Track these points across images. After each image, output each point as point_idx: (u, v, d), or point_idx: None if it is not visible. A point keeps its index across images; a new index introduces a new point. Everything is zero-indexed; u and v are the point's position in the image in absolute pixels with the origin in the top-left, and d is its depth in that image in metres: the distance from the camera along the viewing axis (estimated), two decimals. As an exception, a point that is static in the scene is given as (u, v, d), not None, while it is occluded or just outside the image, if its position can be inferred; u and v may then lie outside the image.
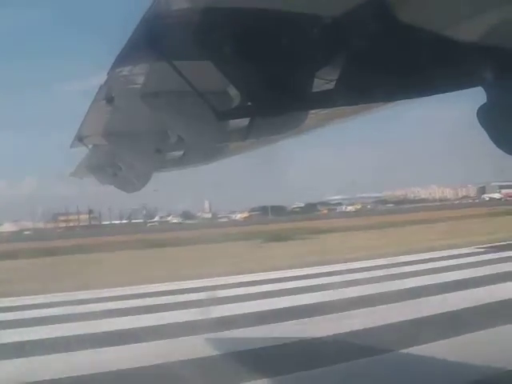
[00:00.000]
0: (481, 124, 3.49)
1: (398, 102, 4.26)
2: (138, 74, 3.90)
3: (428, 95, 3.77)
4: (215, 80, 3.78)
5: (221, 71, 3.68)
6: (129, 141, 5.31)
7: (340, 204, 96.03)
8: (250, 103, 3.95)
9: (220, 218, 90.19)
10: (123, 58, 3.54)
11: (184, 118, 4.38)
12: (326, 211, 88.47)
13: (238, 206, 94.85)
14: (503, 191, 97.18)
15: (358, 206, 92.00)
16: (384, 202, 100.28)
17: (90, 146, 5.89)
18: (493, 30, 3.03)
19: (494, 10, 2.90)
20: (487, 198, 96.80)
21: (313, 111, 4.47)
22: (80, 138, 5.49)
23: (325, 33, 3.27)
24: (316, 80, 3.74)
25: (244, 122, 4.26)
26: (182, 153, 5.81)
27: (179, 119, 4.45)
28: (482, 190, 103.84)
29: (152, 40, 3.29)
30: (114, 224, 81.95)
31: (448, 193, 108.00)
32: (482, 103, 3.51)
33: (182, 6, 3.09)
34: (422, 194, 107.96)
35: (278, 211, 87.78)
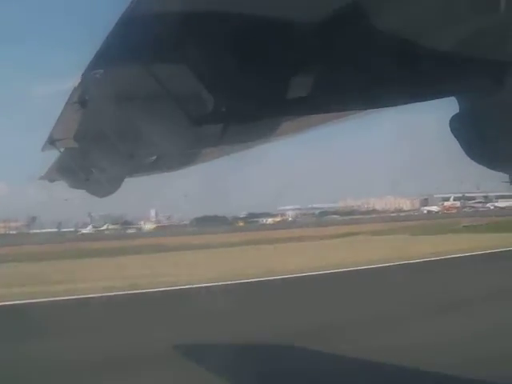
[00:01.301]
0: (453, 134, 3.53)
1: (371, 110, 4.29)
2: (113, 76, 3.86)
3: (401, 104, 3.81)
4: (190, 84, 3.77)
5: (196, 76, 3.67)
6: (101, 145, 5.26)
7: (266, 215, 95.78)
8: (224, 109, 3.95)
9: (158, 227, 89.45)
10: (98, 61, 3.51)
11: (158, 122, 4.36)
12: (242, 224, 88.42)
13: (187, 215, 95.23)
14: (446, 203, 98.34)
15: (277, 219, 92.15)
16: (330, 213, 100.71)
17: (62, 149, 5.82)
18: (466, 41, 3.07)
19: (467, 20, 2.94)
20: (425, 211, 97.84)
21: (287, 118, 4.48)
22: (52, 141, 5.43)
23: (302, 39, 3.29)
24: (291, 87, 3.75)
25: (218, 127, 4.26)
26: (154, 158, 5.79)
27: (153, 124, 4.42)
28: (425, 202, 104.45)
29: (127, 43, 3.28)
30: (40, 233, 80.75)
31: (404, 204, 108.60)
32: (455, 113, 3.56)
33: (158, 10, 3.08)
34: (377, 204, 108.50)
35: (214, 221, 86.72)
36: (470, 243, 32.40)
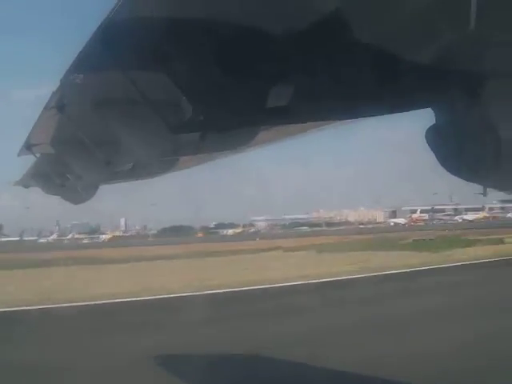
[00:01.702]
0: (429, 145, 3.57)
1: (348, 121, 4.34)
2: (92, 82, 3.86)
3: (378, 115, 3.85)
4: (169, 92, 3.79)
5: (175, 83, 3.69)
6: (78, 151, 5.23)
7: (234, 226, 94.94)
8: (202, 117, 3.97)
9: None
10: (77, 66, 3.52)
11: (136, 129, 4.36)
12: (201, 234, 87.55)
13: (158, 225, 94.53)
14: (414, 216, 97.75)
15: (238, 230, 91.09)
16: (300, 224, 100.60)
17: (38, 155, 5.79)
18: (443, 54, 3.13)
19: (444, 34, 3.00)
20: (392, 224, 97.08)
21: (265, 128, 4.50)
22: (28, 146, 5.39)
23: (281, 50, 3.33)
24: (269, 96, 3.79)
25: (196, 136, 4.27)
26: (131, 165, 5.77)
27: (131, 130, 4.42)
28: (393, 215, 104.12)
29: (107, 49, 3.28)
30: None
31: (377, 215, 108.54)
32: (431, 125, 3.60)
33: (139, 17, 3.10)
34: (351, 216, 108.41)
35: (179, 231, 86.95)
36: (386, 261, 30.46)
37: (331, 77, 3.54)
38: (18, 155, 5.65)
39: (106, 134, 4.68)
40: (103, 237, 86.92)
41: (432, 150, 3.55)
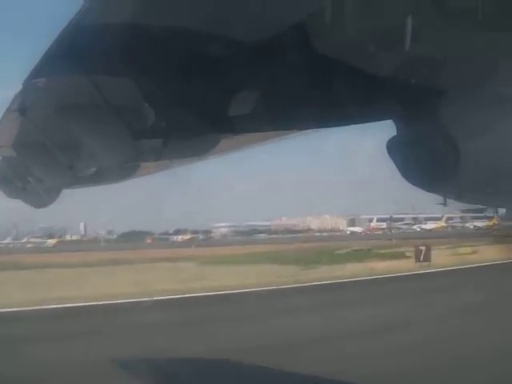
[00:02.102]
0: (390, 156, 3.63)
1: (312, 130, 4.39)
2: (55, 86, 3.85)
3: (341, 125, 3.91)
4: (132, 98, 3.80)
5: (138, 90, 3.71)
6: (40, 154, 5.20)
7: (180, 233, 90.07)
8: (165, 123, 3.99)
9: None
10: (40, 70, 3.50)
11: (98, 134, 4.35)
12: (149, 240, 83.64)
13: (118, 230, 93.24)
14: (372, 224, 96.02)
15: (187, 237, 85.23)
16: (259, 231, 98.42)
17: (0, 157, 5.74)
18: (404, 66, 3.20)
19: (405, 46, 3.07)
20: (348, 232, 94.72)
21: (227, 135, 4.54)
22: None
23: (243, 58, 3.36)
24: (232, 104, 3.82)
25: (159, 141, 4.29)
26: (94, 170, 5.75)
27: (93, 135, 4.41)
28: (352, 223, 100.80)
29: (70, 54, 3.28)
30: None
31: (340, 223, 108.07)
32: (392, 136, 3.67)
33: (103, 21, 3.11)
34: (314, 223, 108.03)
35: (131, 237, 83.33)
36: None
37: (294, 86, 3.59)
38: None
39: (68, 138, 4.66)
40: (49, 241, 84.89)
41: (393, 160, 3.62)
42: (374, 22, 3.04)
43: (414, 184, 3.61)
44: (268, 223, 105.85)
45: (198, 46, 3.29)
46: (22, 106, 4.17)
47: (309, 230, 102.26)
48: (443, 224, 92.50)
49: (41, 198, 6.76)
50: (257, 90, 3.81)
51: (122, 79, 3.66)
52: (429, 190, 3.69)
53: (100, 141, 4.44)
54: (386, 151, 3.61)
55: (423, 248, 32.54)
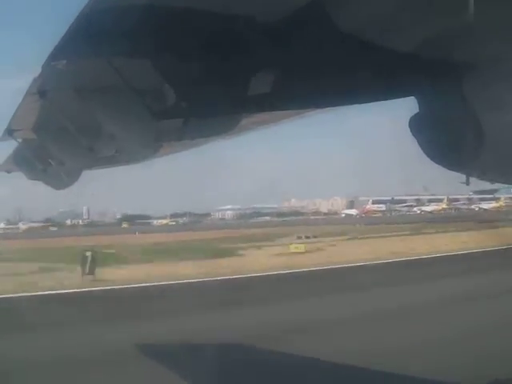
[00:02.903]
0: (412, 133, 3.59)
1: (332, 108, 4.35)
2: (74, 68, 3.84)
3: (361, 103, 3.87)
4: (152, 79, 3.78)
5: (158, 70, 3.69)
6: (61, 136, 5.22)
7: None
8: (185, 104, 3.97)
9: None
10: (59, 52, 3.49)
11: (118, 115, 4.35)
12: (125, 225, 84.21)
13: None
14: (367, 207, 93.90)
15: (165, 221, 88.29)
16: (262, 214, 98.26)
17: (20, 140, 5.76)
18: (426, 42, 3.15)
19: (427, 22, 3.01)
20: (343, 215, 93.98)
21: (247, 114, 4.52)
22: (10, 131, 5.36)
23: (263, 36, 3.33)
24: (252, 83, 3.79)
25: (179, 122, 4.27)
26: (113, 151, 5.75)
27: (113, 116, 4.41)
28: (351, 205, 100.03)
29: (89, 35, 3.27)
30: None
31: (338, 205, 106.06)
32: (414, 113, 3.62)
33: (119, 3, 3.09)
34: (323, 205, 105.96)
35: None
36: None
37: (317, 65, 3.55)
38: (0, 140, 5.62)
39: (88, 120, 4.67)
40: (22, 227, 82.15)
41: (415, 138, 3.58)
42: None
43: (437, 162, 3.57)
44: (276, 206, 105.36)
45: (217, 26, 3.26)
46: (42, 89, 4.17)
47: (318, 212, 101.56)
48: (444, 206, 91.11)
49: (61, 179, 6.80)
50: (276, 68, 3.77)
51: (142, 60, 3.64)
52: (451, 169, 3.66)
53: (120, 122, 4.45)
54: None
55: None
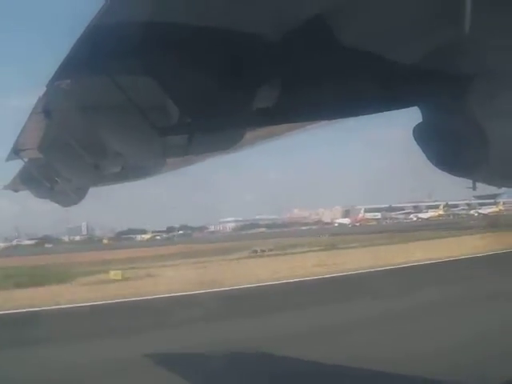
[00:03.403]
0: (417, 142, 3.60)
1: (336, 120, 4.36)
2: (78, 87, 3.86)
3: (365, 114, 3.88)
4: (156, 95, 3.79)
5: (161, 87, 3.70)
6: (66, 155, 5.24)
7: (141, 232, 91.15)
8: (189, 120, 3.98)
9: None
10: (63, 71, 3.50)
11: (123, 132, 4.37)
12: (106, 241, 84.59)
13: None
14: (359, 215, 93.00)
15: (147, 236, 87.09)
16: (259, 225, 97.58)
17: (27, 159, 5.79)
18: (429, 52, 3.16)
19: (430, 33, 3.02)
20: (336, 224, 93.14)
21: (250, 129, 4.52)
22: (16, 151, 5.39)
23: (267, 50, 3.34)
24: (257, 97, 3.80)
25: (184, 138, 4.28)
26: (120, 168, 5.77)
27: (118, 134, 4.43)
28: (347, 214, 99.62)
29: (93, 54, 3.28)
30: None
31: (334, 215, 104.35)
32: (418, 122, 3.63)
33: (124, 21, 3.10)
34: (326, 215, 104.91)
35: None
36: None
37: (320, 78, 3.56)
38: (6, 160, 5.64)
39: (93, 138, 4.69)
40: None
41: (420, 146, 3.59)
42: (397, 9, 2.99)
43: (443, 169, 3.58)
44: (276, 216, 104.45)
45: (221, 41, 3.27)
46: (47, 108, 4.20)
47: (316, 222, 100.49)
48: (440, 212, 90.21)
49: (68, 197, 6.82)
50: (279, 82, 3.78)
51: (145, 78, 3.66)
52: (458, 175, 3.66)
53: (124, 139, 4.46)
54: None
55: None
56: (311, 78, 3.59)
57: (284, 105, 3.81)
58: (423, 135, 3.59)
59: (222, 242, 59.18)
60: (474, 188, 4.03)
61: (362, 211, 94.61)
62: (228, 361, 10.67)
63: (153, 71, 3.61)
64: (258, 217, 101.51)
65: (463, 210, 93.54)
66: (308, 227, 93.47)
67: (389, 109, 3.83)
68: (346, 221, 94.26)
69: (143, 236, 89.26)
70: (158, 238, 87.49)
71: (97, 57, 3.35)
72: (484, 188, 4.04)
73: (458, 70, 3.28)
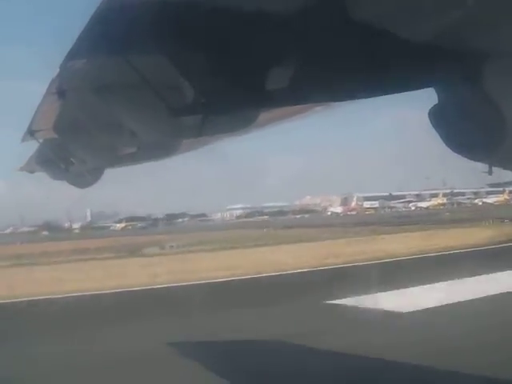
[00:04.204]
0: (432, 124, 3.55)
1: (350, 101, 4.31)
2: (91, 67, 3.85)
3: (380, 95, 3.83)
4: (170, 75, 3.77)
5: (175, 67, 3.68)
6: (81, 135, 5.25)
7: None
8: (203, 100, 3.96)
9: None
10: (76, 52, 3.50)
11: (138, 113, 4.36)
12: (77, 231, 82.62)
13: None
14: (353, 204, 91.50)
15: (122, 225, 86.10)
16: (262, 213, 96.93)
17: (41, 140, 5.80)
18: (444, 32, 3.10)
19: (445, 12, 2.97)
20: (329, 213, 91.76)
21: (266, 109, 4.49)
22: (31, 132, 5.40)
23: (280, 30, 3.30)
24: (271, 77, 3.77)
25: (198, 118, 4.27)
26: (135, 148, 5.78)
27: (133, 114, 4.43)
28: (345, 202, 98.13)
29: (105, 34, 3.27)
30: None
31: (332, 203, 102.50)
32: (434, 104, 3.58)
33: (136, 1, 3.09)
34: (336, 202, 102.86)
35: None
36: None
37: (333, 58, 3.51)
38: (22, 141, 5.66)
39: (107, 118, 4.70)
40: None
41: (436, 129, 3.55)
42: None
43: (459, 153, 3.54)
44: (286, 204, 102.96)
45: (234, 21, 3.24)
46: (60, 89, 4.19)
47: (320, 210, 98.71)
48: (439, 201, 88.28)
49: (84, 178, 6.84)
50: (294, 62, 3.74)
51: (159, 57, 3.64)
52: (473, 159, 3.63)
53: (140, 119, 4.45)
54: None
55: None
56: (323, 58, 3.54)
57: (297, 85, 3.77)
58: (439, 117, 3.55)
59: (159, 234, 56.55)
60: (490, 173, 3.98)
61: (355, 199, 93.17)
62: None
63: (167, 50, 3.59)
64: (266, 204, 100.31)
65: (469, 198, 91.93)
66: (292, 216, 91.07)
67: (404, 90, 3.78)
68: (339, 209, 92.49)
69: (120, 225, 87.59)
70: (130, 228, 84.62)
71: (110, 37, 3.34)
72: (500, 175, 3.99)
73: (473, 49, 3.22)
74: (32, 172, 7.63)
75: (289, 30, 3.29)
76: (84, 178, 6.89)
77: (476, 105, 3.38)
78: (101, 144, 5.29)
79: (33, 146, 6.10)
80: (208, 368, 9.05)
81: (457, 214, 56.90)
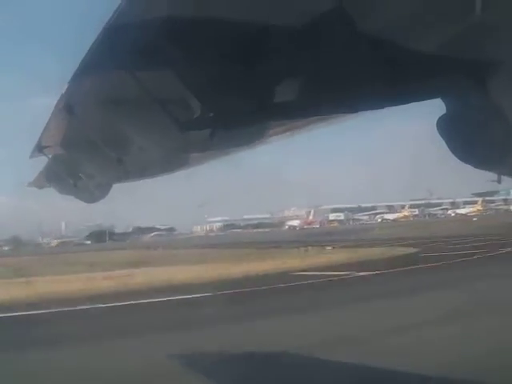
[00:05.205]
0: (440, 134, 3.55)
1: (359, 113, 4.31)
2: (99, 83, 3.88)
3: (386, 107, 3.83)
4: (177, 90, 3.79)
5: (183, 82, 3.70)
6: (89, 151, 5.27)
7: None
8: (211, 114, 3.97)
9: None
10: (84, 68, 3.53)
11: (146, 127, 4.38)
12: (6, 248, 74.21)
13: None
14: (310, 217, 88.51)
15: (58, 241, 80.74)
16: (235, 226, 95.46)
17: (50, 156, 5.82)
18: (452, 43, 3.11)
19: (452, 22, 2.98)
20: (286, 227, 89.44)
21: (273, 123, 4.50)
22: (40, 148, 5.43)
23: (289, 45, 3.32)
24: (278, 92, 3.78)
25: (206, 132, 4.28)
26: (143, 163, 5.79)
27: (141, 129, 4.44)
28: (308, 214, 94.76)
29: (113, 50, 3.30)
30: None
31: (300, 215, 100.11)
32: (441, 114, 3.58)
33: (143, 17, 3.11)
34: (301, 215, 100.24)
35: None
36: None
37: (342, 71, 3.52)
38: (30, 157, 5.69)
39: (115, 134, 4.71)
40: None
41: (443, 139, 3.54)
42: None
43: (466, 162, 3.53)
44: (268, 216, 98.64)
45: (242, 35, 3.26)
46: (69, 105, 4.22)
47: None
48: (405, 213, 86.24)
49: (92, 193, 6.85)
50: (299, 76, 3.76)
51: (167, 72, 3.66)
52: (482, 168, 3.61)
53: (147, 134, 4.47)
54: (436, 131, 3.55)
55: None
56: (331, 70, 3.55)
57: (305, 99, 3.78)
58: (446, 127, 3.54)
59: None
60: (499, 181, 3.97)
61: (312, 213, 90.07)
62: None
63: (174, 65, 3.61)
64: (246, 216, 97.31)
65: (442, 209, 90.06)
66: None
67: (411, 101, 3.79)
68: (296, 223, 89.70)
69: (55, 241, 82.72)
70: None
71: (118, 53, 3.37)
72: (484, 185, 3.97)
73: (481, 59, 3.23)
74: (41, 188, 7.66)
75: (296, 44, 3.31)
76: (91, 194, 6.90)
77: (484, 114, 3.37)
78: (108, 159, 5.30)
79: (36, 163, 6.13)
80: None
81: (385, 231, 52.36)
